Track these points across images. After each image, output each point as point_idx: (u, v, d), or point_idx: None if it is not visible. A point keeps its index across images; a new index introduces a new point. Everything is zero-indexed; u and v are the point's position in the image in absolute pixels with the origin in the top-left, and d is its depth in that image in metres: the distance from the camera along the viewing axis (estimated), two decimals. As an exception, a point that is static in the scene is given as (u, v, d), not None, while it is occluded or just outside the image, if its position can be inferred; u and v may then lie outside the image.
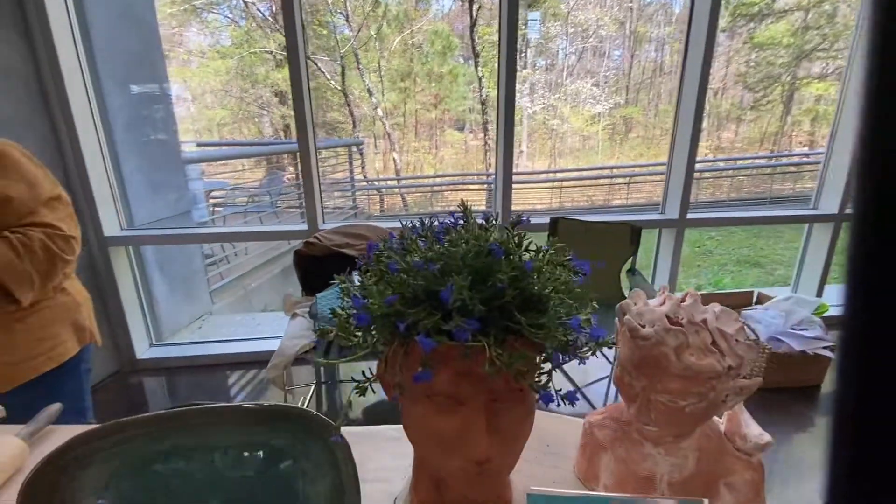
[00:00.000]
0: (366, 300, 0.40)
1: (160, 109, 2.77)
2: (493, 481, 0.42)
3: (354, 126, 11.26)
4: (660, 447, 0.48)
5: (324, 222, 2.43)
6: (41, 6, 1.81)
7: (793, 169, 8.70)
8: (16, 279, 0.85)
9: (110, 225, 2.21)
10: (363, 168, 10.85)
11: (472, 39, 10.76)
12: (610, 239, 2.19)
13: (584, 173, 10.97)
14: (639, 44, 13.69)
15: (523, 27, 12.38)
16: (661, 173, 2.68)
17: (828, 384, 2.19)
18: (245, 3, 10.30)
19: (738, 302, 2.51)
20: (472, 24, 10.69)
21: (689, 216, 2.53)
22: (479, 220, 0.48)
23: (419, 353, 0.39)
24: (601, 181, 9.58)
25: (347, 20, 10.34)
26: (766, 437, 0.46)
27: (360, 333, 0.42)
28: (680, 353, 0.40)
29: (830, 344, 2.12)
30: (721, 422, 0.49)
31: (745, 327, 0.41)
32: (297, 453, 0.53)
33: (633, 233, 2.11)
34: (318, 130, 2.36)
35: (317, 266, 2.04)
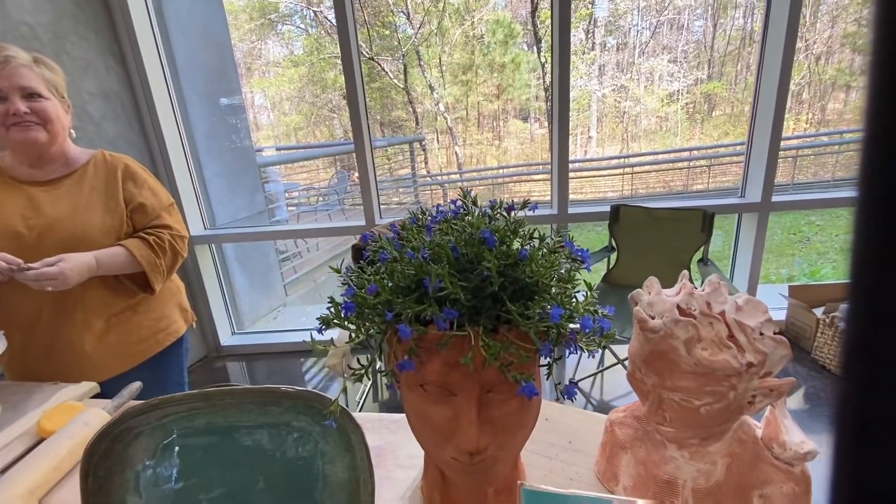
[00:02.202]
0: (360, 290, 0.41)
1: (235, 117, 3.01)
2: (488, 473, 0.41)
3: (417, 123, 11.45)
4: (684, 450, 0.44)
5: (381, 217, 2.51)
6: (132, 33, 2.05)
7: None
8: (156, 272, 1.02)
9: (195, 225, 2.46)
10: (426, 163, 11.02)
11: (534, 24, 10.45)
12: (679, 227, 2.02)
13: (660, 157, 10.25)
14: (723, 10, 12.44)
15: (590, 6, 11.77)
16: (741, 153, 2.42)
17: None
18: (315, 12, 10.87)
19: (835, 293, 2.21)
20: (534, 9, 10.37)
21: (775, 199, 2.26)
22: (486, 210, 0.47)
23: (409, 341, 0.39)
24: (679, 165, 8.87)
25: (408, 18, 10.51)
26: (810, 446, 0.40)
27: (353, 323, 0.43)
28: (690, 348, 0.36)
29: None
30: (759, 426, 0.44)
31: (772, 321, 0.36)
32: (317, 435, 0.56)
33: (704, 219, 1.93)
34: (383, 129, 2.42)
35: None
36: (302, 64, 11.01)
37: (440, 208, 0.47)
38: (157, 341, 1.12)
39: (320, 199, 5.52)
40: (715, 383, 0.36)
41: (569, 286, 0.40)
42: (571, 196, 2.33)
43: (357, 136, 2.29)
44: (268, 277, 3.28)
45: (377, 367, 0.48)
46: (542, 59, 10.54)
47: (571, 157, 2.28)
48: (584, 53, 12.24)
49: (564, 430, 0.59)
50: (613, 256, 2.18)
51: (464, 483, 0.43)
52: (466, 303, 0.37)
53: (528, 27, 10.89)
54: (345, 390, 0.52)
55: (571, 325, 0.39)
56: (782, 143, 2.28)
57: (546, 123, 11.73)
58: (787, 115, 2.20)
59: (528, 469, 0.54)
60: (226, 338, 2.68)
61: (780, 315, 2.33)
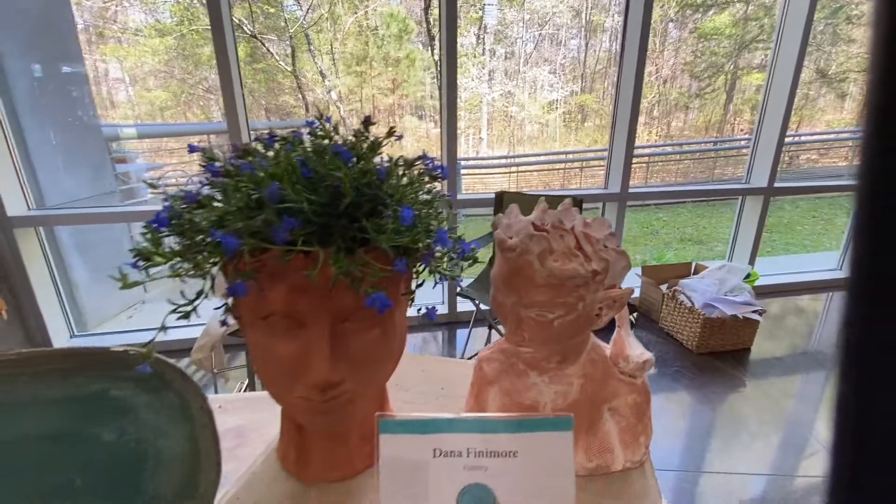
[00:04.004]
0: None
1: (75, 83, 2.53)
2: (343, 412, 0.38)
3: (307, 110, 10.87)
4: (544, 375, 0.45)
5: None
6: None
7: (733, 153, 9.16)
8: None
9: (15, 205, 2.00)
10: (318, 154, 10.51)
11: (427, 22, 10.58)
12: (553, 212, 2.20)
13: (541, 158, 11.13)
14: (593, 33, 13.92)
15: (480, 11, 12.28)
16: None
17: (756, 347, 2.31)
18: (184, -24, 9.63)
19: (678, 272, 2.60)
20: (426, 7, 10.50)
21: (630, 191, 2.59)
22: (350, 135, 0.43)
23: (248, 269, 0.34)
24: (557, 166, 9.74)
25: (297, -2, 9.89)
26: (647, 355, 0.44)
27: (174, 252, 0.36)
28: (543, 260, 0.36)
29: (759, 308, 2.23)
30: (608, 347, 0.47)
31: (613, 236, 0.38)
32: (143, 406, 0.46)
33: (574, 203, 2.12)
34: (269, 114, 2.20)
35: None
36: (169, 34, 9.67)
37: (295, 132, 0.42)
38: None
39: (189, 182, 4.91)
40: (566, 294, 0.37)
41: (431, 208, 0.38)
42: (464, 191, 2.41)
43: (231, 116, 2.07)
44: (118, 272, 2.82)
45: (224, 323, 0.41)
46: (436, 58, 10.71)
47: (463, 156, 2.37)
48: (475, 57, 12.74)
49: (437, 379, 0.58)
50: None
51: (317, 427, 0.39)
52: (315, 218, 0.33)
53: (422, 25, 11.00)
54: (215, 385, 0.44)
55: (433, 245, 0.37)
56: (638, 151, 2.63)
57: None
58: (641, 128, 2.54)
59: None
60: (62, 341, 2.23)
61: (634, 293, 2.67)
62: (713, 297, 2.25)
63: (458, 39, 2.19)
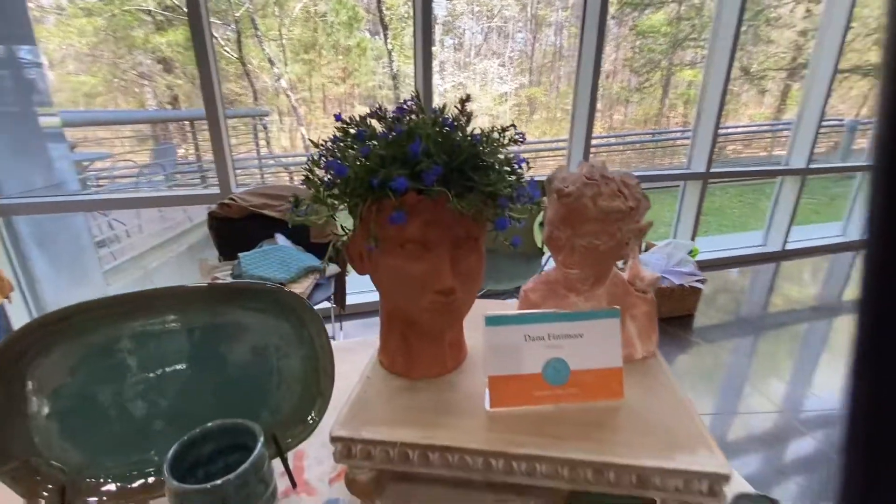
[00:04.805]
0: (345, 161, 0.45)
1: (24, 66, 2.38)
2: (457, 313, 0.51)
3: (256, 99, 10.46)
4: (580, 296, 0.60)
5: (237, 187, 2.31)
6: None
7: (669, 144, 9.87)
8: None
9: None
10: (268, 144, 10.17)
11: (380, 11, 10.47)
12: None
13: (495, 150, 11.42)
14: (539, 27, 14.36)
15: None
16: (563, 148, 2.94)
17: (699, 313, 2.63)
18: (113, -49, 8.91)
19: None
20: (379, -5, 10.38)
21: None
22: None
23: (390, 207, 0.45)
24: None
25: (241, -19, 9.45)
26: (656, 275, 0.60)
27: (333, 199, 0.47)
28: (596, 200, 0.51)
29: (701, 278, 2.53)
30: (625, 273, 0.63)
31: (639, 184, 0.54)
32: (268, 329, 0.57)
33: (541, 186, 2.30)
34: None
35: (234, 228, 1.95)
36: (97, 14, 8.93)
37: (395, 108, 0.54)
38: None
39: (140, 175, 4.67)
40: (610, 225, 0.52)
41: (509, 167, 0.52)
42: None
43: (208, 98, 2.06)
44: (80, 263, 2.71)
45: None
46: (389, 47, 10.64)
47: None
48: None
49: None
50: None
51: (437, 325, 0.51)
52: (442, 164, 0.45)
53: (373, 13, 10.85)
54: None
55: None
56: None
57: (393, 111, 11.87)
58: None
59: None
60: (26, 335, 2.14)
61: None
62: (663, 270, 2.53)
63: (406, 30, 2.28)
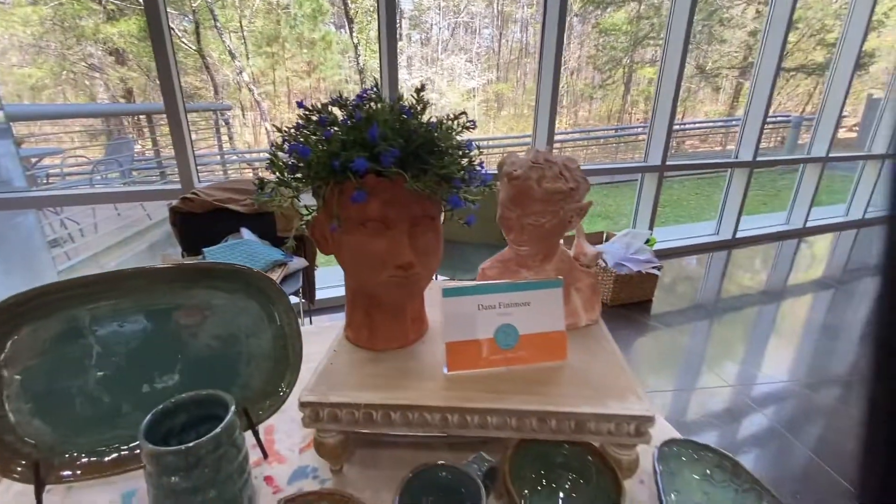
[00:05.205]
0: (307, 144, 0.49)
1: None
2: (416, 287, 0.55)
3: (216, 93, 10.13)
4: (531, 271, 0.65)
5: (199, 181, 2.27)
6: None
7: (632, 139, 10.21)
8: None
9: None
10: (231, 140, 9.88)
11: (345, 4, 10.32)
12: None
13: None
14: (506, 24, 14.50)
15: (396, -4, 12.19)
16: (528, 143, 3.02)
17: (657, 299, 2.77)
18: (57, -65, 8.40)
19: (592, 240, 3.00)
20: (344, -12, 10.22)
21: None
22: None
23: (351, 188, 0.49)
24: (484, 152, 10.19)
25: (198, -30, 9.11)
26: (598, 250, 0.66)
27: (297, 182, 0.50)
28: (541, 182, 0.56)
29: (658, 265, 2.67)
30: (571, 250, 0.69)
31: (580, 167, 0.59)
32: (237, 310, 0.59)
33: (508, 180, 2.37)
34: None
35: (198, 224, 1.93)
36: (43, 2, 8.41)
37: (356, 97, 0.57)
38: None
39: (94, 171, 4.47)
40: (554, 204, 0.57)
41: (462, 150, 0.56)
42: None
43: (167, 92, 2.01)
44: (33, 264, 2.59)
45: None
46: (355, 41, 10.51)
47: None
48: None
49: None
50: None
51: (397, 298, 0.56)
52: (399, 147, 0.50)
53: (338, 6, 10.68)
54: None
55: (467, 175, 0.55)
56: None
57: (361, 107, 11.74)
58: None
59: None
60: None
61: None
62: (622, 257, 2.66)
63: (372, 24, 2.33)
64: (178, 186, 2.14)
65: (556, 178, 0.56)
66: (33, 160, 3.74)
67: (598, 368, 0.56)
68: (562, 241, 0.68)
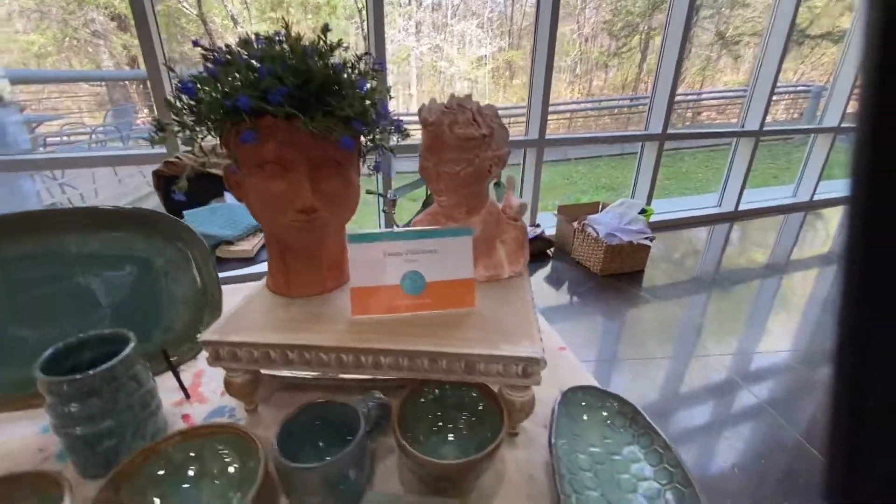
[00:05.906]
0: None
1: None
2: (321, 231, 0.55)
3: (221, 60, 9.96)
4: (457, 223, 0.65)
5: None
6: None
7: (645, 110, 9.90)
8: None
9: None
10: (237, 109, 9.78)
11: (350, -34, 9.97)
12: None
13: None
14: (519, -13, 13.92)
15: (403, -44, 11.74)
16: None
17: (650, 270, 2.75)
18: None
19: (588, 210, 2.96)
20: (348, -51, 9.86)
21: (547, 138, 2.86)
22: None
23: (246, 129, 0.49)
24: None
25: (199, -70, 8.83)
26: (523, 201, 0.65)
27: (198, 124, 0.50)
28: (452, 128, 0.55)
29: (650, 235, 2.64)
30: (500, 205, 0.68)
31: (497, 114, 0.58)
32: (156, 252, 0.60)
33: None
34: (175, 66, 2.09)
35: (183, 187, 1.93)
36: (43, -36, 8.25)
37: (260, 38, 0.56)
38: None
39: (93, 137, 4.50)
40: (467, 152, 0.56)
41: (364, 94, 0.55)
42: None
43: (147, 53, 1.99)
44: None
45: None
46: (360, 5, 10.20)
47: (394, 112, 2.47)
48: (400, 6, 12.28)
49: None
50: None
51: (303, 243, 0.56)
52: (296, 92, 0.49)
53: (343, -32, 10.34)
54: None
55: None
56: (563, 107, 2.88)
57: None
58: (566, 86, 2.79)
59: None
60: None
61: (553, 230, 3.01)
62: (614, 228, 2.62)
63: None
64: (164, 150, 2.14)
65: (468, 124, 0.55)
66: (33, 125, 3.77)
67: (507, 316, 0.56)
68: (492, 195, 0.67)
